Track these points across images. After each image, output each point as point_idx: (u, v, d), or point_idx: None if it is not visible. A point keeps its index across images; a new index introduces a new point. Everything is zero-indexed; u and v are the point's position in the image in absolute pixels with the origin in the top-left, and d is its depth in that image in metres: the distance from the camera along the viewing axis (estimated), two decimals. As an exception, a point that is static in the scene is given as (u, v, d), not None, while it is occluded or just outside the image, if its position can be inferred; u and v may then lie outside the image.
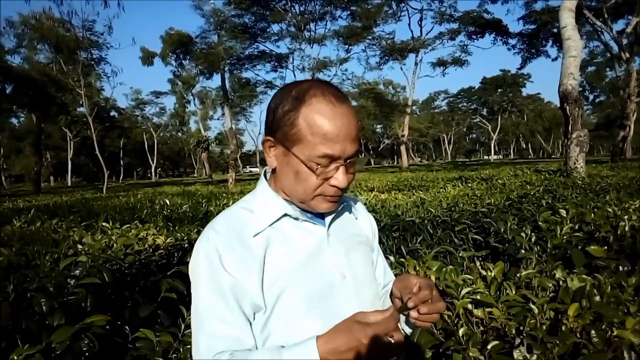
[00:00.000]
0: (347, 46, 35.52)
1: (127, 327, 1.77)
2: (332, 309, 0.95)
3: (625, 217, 2.91)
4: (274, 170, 1.02)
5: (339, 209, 1.06)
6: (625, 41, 24.82)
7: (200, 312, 0.92)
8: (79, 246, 2.77)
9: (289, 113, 0.93)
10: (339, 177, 0.94)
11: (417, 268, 2.17)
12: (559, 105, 11.22)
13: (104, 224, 3.62)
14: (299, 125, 0.92)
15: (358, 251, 1.08)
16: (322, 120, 0.90)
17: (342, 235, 1.06)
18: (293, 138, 0.93)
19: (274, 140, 0.97)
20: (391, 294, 1.07)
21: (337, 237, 1.04)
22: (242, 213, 1.00)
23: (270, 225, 0.98)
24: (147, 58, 38.59)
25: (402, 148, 39.73)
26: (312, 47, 33.29)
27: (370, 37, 36.06)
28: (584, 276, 1.84)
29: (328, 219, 1.04)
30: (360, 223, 1.17)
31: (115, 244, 2.85)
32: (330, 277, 0.99)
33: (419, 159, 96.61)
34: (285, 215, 0.99)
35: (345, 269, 1.02)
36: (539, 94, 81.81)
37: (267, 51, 33.63)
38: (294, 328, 0.92)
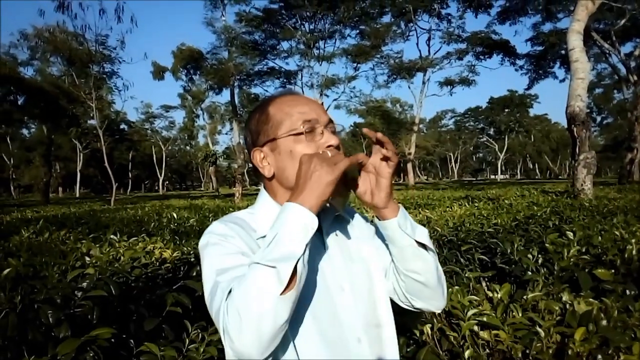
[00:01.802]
0: (355, 64, 35.85)
1: (132, 340, 1.77)
2: (330, 321, 0.95)
3: (633, 240, 2.89)
4: (270, 180, 1.05)
5: (334, 219, 1.06)
6: (633, 64, 24.89)
7: (215, 267, 0.89)
8: (87, 258, 2.79)
9: (261, 116, 1.04)
10: (328, 137, 1.00)
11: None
12: (566, 126, 11.21)
13: (112, 236, 3.65)
14: (273, 116, 1.01)
15: (359, 262, 1.06)
16: (290, 104, 1.02)
17: (342, 246, 1.05)
18: (273, 128, 1.01)
19: (260, 148, 1.03)
20: None
21: (336, 248, 1.03)
22: (241, 220, 1.02)
23: None
24: (158, 72, 39.08)
25: (409, 166, 39.73)
26: (320, 65, 33.65)
27: (378, 56, 36.45)
28: (590, 300, 1.83)
29: (325, 226, 1.03)
30: (359, 232, 1.13)
31: (122, 257, 2.86)
32: (327, 289, 0.98)
33: (426, 177, 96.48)
34: None
35: (345, 282, 1.00)
36: (546, 114, 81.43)
37: (277, 68, 34.16)
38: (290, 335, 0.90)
